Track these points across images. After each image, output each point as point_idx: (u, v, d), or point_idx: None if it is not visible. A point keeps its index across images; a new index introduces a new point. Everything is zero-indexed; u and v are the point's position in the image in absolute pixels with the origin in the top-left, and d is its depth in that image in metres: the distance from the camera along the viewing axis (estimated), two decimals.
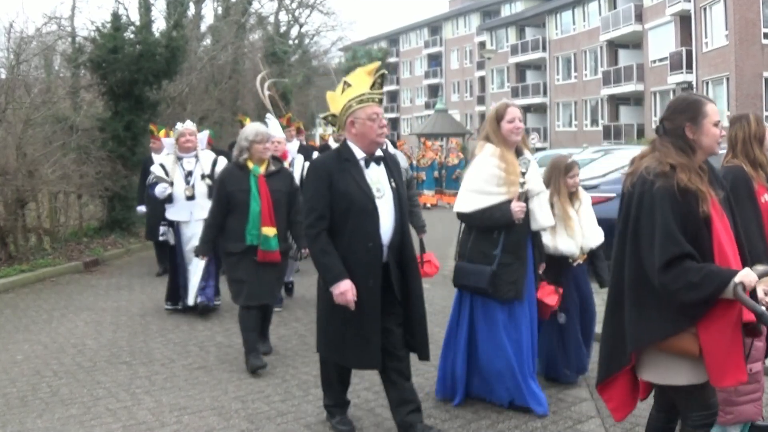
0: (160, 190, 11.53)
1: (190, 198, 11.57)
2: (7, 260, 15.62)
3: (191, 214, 11.58)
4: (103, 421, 7.32)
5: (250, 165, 8.98)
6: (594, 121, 64.23)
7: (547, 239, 7.90)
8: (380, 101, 6.54)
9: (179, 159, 11.73)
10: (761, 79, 41.10)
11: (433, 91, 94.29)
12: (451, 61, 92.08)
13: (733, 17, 41.55)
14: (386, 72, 6.77)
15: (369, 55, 71.19)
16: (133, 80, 19.97)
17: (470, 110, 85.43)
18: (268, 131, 9.49)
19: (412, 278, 6.67)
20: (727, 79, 42.38)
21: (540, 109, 72.46)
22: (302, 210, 6.76)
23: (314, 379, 8.37)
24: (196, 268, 11.51)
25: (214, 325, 10.96)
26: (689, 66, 46.91)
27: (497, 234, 7.26)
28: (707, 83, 45.38)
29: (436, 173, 32.80)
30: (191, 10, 35.23)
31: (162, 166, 11.82)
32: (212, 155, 12.08)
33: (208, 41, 34.55)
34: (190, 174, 11.68)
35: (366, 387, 8.10)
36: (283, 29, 44.55)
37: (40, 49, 22.44)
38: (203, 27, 36.38)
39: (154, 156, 14.74)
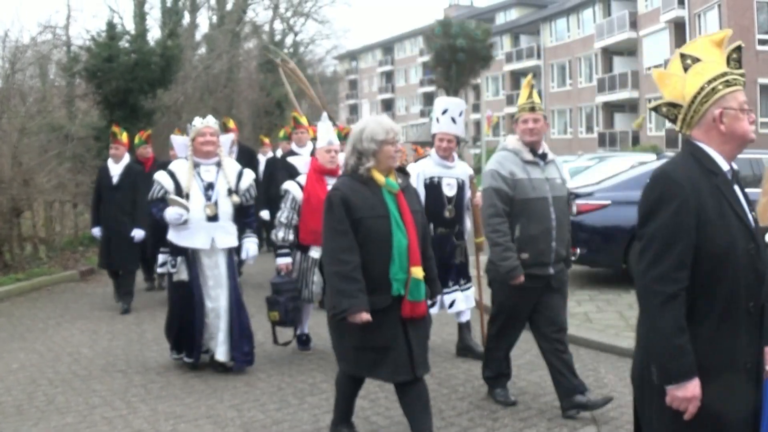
0: (174, 216, 8.72)
1: (212, 219, 8.92)
2: (2, 269, 15.62)
3: (213, 241, 8.93)
4: (99, 429, 7.32)
5: (379, 177, 6.11)
6: (589, 129, 64.36)
7: None
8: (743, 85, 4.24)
9: (196, 166, 9.04)
10: (756, 86, 41.12)
11: (429, 99, 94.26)
12: None
13: (727, 24, 41.57)
14: (742, 44, 4.59)
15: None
16: (128, 89, 19.99)
17: (465, 118, 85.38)
18: (396, 126, 6.51)
19: None
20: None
21: None
22: (643, 250, 4.01)
23: (309, 387, 8.40)
24: (219, 315, 9.02)
25: None
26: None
27: None
28: None
29: None
30: (186, 19, 35.36)
31: (172, 174, 8.98)
32: (236, 165, 9.46)
33: (203, 50, 34.63)
34: (210, 187, 9.00)
35: (361, 395, 8.05)
36: (278, 38, 44.58)
37: (35, 58, 22.44)
38: (198, 36, 36.50)
39: (111, 164, 12.93)
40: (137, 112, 20.67)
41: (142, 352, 10.14)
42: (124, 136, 13.24)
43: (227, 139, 9.60)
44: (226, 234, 9.05)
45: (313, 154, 10.70)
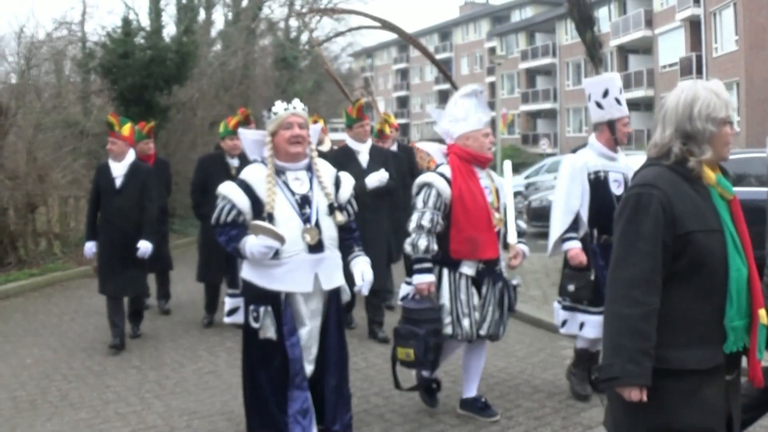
0: (261, 251, 5.79)
1: (315, 248, 6.00)
2: (17, 264, 15.66)
3: (316, 279, 6.01)
4: (113, 425, 7.32)
5: (710, 175, 4.05)
6: None
7: None
8: None
9: (280, 174, 6.09)
10: None
11: (444, 96, 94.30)
12: (461, 67, 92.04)
13: (743, 22, 41.44)
14: None
15: None
16: (143, 85, 20.03)
17: None
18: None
19: None
20: (738, 84, 42.25)
21: (550, 115, 72.56)
22: None
23: None
24: (333, 394, 6.18)
25: (224, 330, 10.89)
26: (699, 71, 46.79)
27: None
28: None
29: None
30: (201, 15, 35.37)
31: (246, 186, 6.03)
32: (330, 166, 6.53)
33: (218, 47, 34.62)
34: (306, 202, 6.07)
35: (376, 392, 8.07)
36: (293, 35, 44.57)
37: (50, 54, 22.53)
38: (213, 32, 36.47)
39: (112, 164, 10.40)
40: (152, 109, 20.69)
41: (156, 348, 10.14)
42: (125, 129, 10.50)
43: (316, 131, 6.54)
44: (334, 269, 6.21)
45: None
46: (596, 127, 7.70)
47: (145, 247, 10.08)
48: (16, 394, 8.32)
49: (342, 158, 10.05)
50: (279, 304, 5.99)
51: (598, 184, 7.47)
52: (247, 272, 6.15)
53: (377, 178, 9.85)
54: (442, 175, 6.94)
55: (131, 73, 19.80)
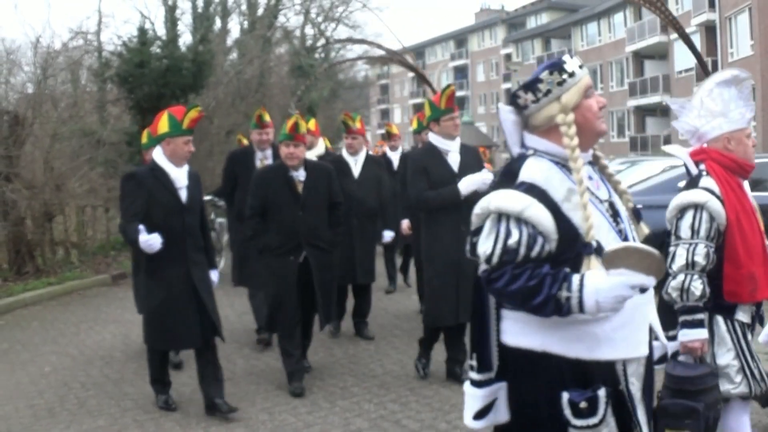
0: (619, 294, 3.35)
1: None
2: (35, 273, 15.69)
3: (650, 333, 3.84)
4: None
5: None
6: (620, 133, 64.12)
7: None
8: None
9: (571, 171, 3.65)
10: None
11: (459, 103, 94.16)
12: (477, 74, 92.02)
13: (758, 27, 41.34)
14: None
15: None
16: (159, 94, 20.06)
17: (496, 122, 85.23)
18: None
19: None
20: (753, 88, 42.14)
21: None
22: None
23: (341, 390, 8.38)
24: None
25: (241, 338, 10.91)
26: None
27: None
28: None
29: None
30: (217, 24, 35.46)
31: (543, 195, 3.53)
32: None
33: (234, 55, 34.70)
34: (614, 212, 3.80)
35: (392, 399, 8.06)
36: (309, 43, 44.66)
37: (66, 63, 22.55)
38: (229, 41, 36.58)
39: (171, 170, 7.37)
40: None
41: (174, 356, 10.15)
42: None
43: None
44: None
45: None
46: None
47: (216, 276, 7.97)
48: (34, 402, 8.35)
49: (427, 159, 8.20)
50: (616, 381, 3.64)
51: None
52: (532, 337, 3.65)
53: (481, 180, 7.88)
54: (710, 191, 5.16)
55: (147, 82, 19.85)
